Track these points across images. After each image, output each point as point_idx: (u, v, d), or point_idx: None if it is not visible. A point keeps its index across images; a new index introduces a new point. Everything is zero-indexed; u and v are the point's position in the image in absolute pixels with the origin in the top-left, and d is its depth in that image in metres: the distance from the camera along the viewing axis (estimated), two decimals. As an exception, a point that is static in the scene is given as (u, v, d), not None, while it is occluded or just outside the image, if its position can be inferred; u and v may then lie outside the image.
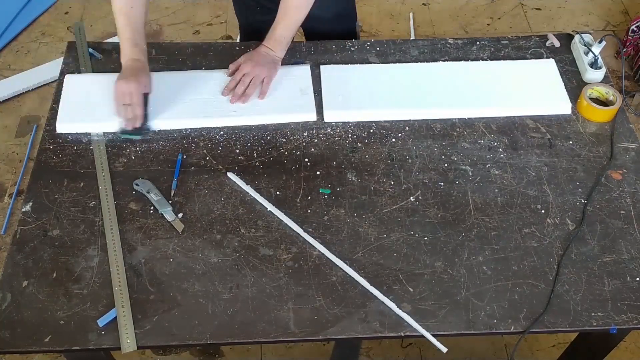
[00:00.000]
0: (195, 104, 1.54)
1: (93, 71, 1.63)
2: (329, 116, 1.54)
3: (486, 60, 1.68)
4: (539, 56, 1.70)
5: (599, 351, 1.58)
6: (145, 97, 1.47)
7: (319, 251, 1.32)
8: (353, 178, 1.44)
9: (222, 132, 1.51)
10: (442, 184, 1.43)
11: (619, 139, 1.52)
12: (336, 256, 1.31)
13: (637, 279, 1.29)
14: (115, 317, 1.21)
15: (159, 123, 1.51)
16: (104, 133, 1.50)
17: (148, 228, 1.34)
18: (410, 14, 3.01)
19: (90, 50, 1.68)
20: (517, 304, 1.25)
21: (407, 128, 1.53)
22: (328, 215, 1.37)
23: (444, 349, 1.23)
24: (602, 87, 1.59)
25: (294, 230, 1.35)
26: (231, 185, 1.42)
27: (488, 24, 3.00)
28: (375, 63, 1.67)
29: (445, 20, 3.01)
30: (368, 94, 1.58)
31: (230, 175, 1.43)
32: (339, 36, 1.75)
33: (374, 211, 1.38)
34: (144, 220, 1.36)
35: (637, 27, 2.68)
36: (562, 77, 1.63)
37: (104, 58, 1.67)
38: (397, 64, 1.66)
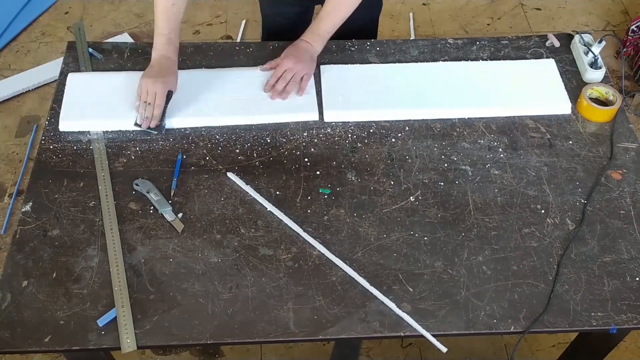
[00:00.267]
0: (203, 103, 1.54)
1: (93, 71, 1.63)
2: (329, 116, 1.54)
3: (486, 60, 1.68)
4: (539, 56, 1.70)
5: (599, 351, 1.58)
6: (168, 95, 1.48)
7: (319, 251, 1.32)
8: (353, 178, 1.44)
9: (221, 132, 1.51)
10: (442, 184, 1.43)
11: (619, 139, 1.52)
12: (336, 256, 1.31)
13: (637, 279, 1.29)
14: (115, 317, 1.21)
15: (171, 122, 1.51)
16: (104, 133, 1.50)
17: (148, 228, 1.34)
18: (410, 14, 3.01)
19: (90, 50, 1.68)
20: (517, 304, 1.25)
21: (407, 128, 1.53)
22: (328, 215, 1.37)
23: (444, 349, 1.23)
24: (602, 87, 1.59)
25: (293, 230, 1.35)
26: (231, 185, 1.42)
27: (488, 24, 3.00)
28: (375, 63, 1.67)
29: (445, 20, 3.00)
30: (368, 93, 1.58)
31: (230, 175, 1.43)
32: (360, 25, 1.73)
33: (374, 211, 1.38)
34: (144, 220, 1.36)
35: (637, 27, 2.68)
36: (562, 77, 1.63)
37: (104, 58, 1.67)
38: (397, 64, 1.66)
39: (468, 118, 1.55)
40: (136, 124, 1.49)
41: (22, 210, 1.37)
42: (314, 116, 1.54)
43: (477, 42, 1.73)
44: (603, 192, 1.42)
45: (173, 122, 1.51)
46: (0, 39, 2.83)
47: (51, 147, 1.48)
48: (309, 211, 1.38)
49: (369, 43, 1.72)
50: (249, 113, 1.53)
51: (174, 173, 1.43)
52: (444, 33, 2.93)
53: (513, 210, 1.39)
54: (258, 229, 1.35)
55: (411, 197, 1.41)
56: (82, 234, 1.33)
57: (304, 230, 1.34)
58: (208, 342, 1.20)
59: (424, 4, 3.09)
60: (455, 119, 1.55)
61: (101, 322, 1.20)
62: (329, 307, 1.24)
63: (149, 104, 1.45)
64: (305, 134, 1.51)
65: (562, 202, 1.40)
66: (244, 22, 2.97)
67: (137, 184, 1.40)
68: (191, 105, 1.54)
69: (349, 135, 1.51)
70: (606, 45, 1.66)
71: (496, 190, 1.42)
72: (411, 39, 2.06)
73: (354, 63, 1.66)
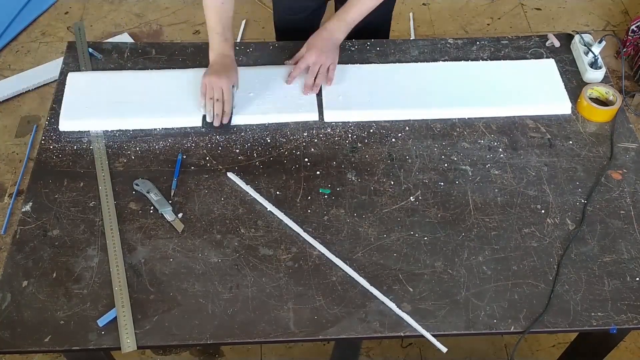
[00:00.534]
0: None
1: (94, 70, 1.63)
2: (329, 116, 1.54)
3: (486, 60, 1.68)
4: (539, 56, 1.70)
5: (599, 351, 1.58)
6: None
7: (319, 251, 1.32)
8: (353, 178, 1.44)
9: (221, 132, 1.51)
10: (442, 184, 1.43)
11: (619, 139, 1.52)
12: (336, 256, 1.31)
13: (637, 279, 1.29)
14: (115, 317, 1.21)
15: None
16: (104, 133, 1.50)
17: (148, 228, 1.34)
18: (410, 14, 3.01)
19: (90, 50, 1.68)
20: (517, 304, 1.25)
21: (407, 128, 1.53)
22: (328, 215, 1.37)
23: (444, 349, 1.23)
24: (602, 87, 1.59)
25: (294, 230, 1.35)
26: (231, 185, 1.42)
27: (488, 24, 3.00)
28: (375, 63, 1.67)
29: (445, 20, 3.00)
30: (368, 93, 1.58)
31: (230, 175, 1.43)
32: (372, 19, 1.72)
33: (374, 211, 1.38)
34: (144, 220, 1.36)
35: (637, 27, 2.68)
36: (562, 77, 1.63)
37: (104, 58, 1.67)
38: (397, 64, 1.66)
39: (468, 118, 1.55)
40: (205, 124, 1.49)
41: (22, 210, 1.37)
42: (313, 116, 1.54)
43: (477, 42, 1.73)
44: (603, 192, 1.42)
45: (163, 122, 1.52)
46: (0, 39, 2.83)
47: (51, 147, 1.48)
48: (309, 211, 1.38)
49: (369, 43, 1.72)
50: (249, 112, 1.53)
51: (174, 173, 1.43)
52: (444, 33, 2.93)
53: (513, 210, 1.39)
54: (258, 229, 1.35)
55: (411, 197, 1.41)
56: (82, 234, 1.33)
57: (304, 230, 1.34)
58: (208, 342, 1.20)
59: (424, 4, 3.09)
60: (455, 119, 1.55)
61: (101, 322, 1.20)
62: (329, 307, 1.24)
63: (217, 100, 1.46)
64: (305, 134, 1.51)
65: (562, 202, 1.40)
66: (244, 22, 2.96)
67: (137, 184, 1.40)
68: (185, 105, 1.54)
69: (349, 135, 1.51)
70: (606, 45, 1.66)
71: (496, 190, 1.42)
72: (411, 39, 2.06)
73: (354, 63, 1.66)
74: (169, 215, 1.36)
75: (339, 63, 1.64)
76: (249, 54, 1.69)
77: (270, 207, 1.38)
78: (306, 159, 1.47)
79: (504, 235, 1.35)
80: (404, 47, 1.72)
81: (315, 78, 1.56)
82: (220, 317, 1.23)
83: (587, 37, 1.69)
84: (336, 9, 1.86)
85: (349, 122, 1.54)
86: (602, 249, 1.33)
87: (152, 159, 1.46)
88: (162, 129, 1.51)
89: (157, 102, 1.54)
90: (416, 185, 1.43)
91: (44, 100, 2.61)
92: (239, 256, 1.31)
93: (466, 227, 1.36)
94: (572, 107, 1.57)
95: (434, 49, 1.71)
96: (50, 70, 2.68)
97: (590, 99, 1.56)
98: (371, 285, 1.27)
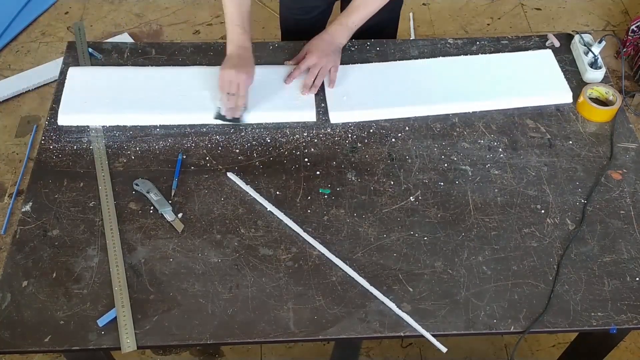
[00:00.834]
0: (199, 100, 1.54)
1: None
2: (335, 117, 1.53)
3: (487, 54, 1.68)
4: (538, 56, 1.70)
5: (599, 351, 1.58)
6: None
7: (319, 251, 1.32)
8: (353, 178, 1.44)
9: (221, 132, 1.51)
10: (442, 184, 1.43)
11: (619, 139, 1.52)
12: (336, 256, 1.31)
13: (637, 279, 1.29)
14: (115, 317, 1.21)
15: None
16: (104, 133, 1.50)
17: (148, 228, 1.34)
18: (410, 14, 3.01)
19: (90, 50, 1.68)
20: (517, 304, 1.25)
21: (407, 128, 1.53)
22: (328, 215, 1.37)
23: (444, 349, 1.23)
24: (602, 87, 1.59)
25: (293, 230, 1.35)
26: (231, 185, 1.42)
27: (488, 24, 3.00)
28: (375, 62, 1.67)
29: (445, 20, 3.00)
30: (370, 93, 1.58)
31: (230, 175, 1.43)
32: (379, 21, 1.71)
33: (374, 211, 1.38)
34: (144, 220, 1.36)
35: (637, 27, 2.68)
36: (562, 77, 1.64)
37: (104, 58, 1.67)
38: (396, 61, 1.66)
39: (472, 112, 1.55)
40: (218, 116, 1.50)
41: (22, 210, 1.37)
42: (311, 116, 1.54)
43: (477, 42, 1.73)
44: (603, 192, 1.42)
45: (168, 118, 1.52)
46: (0, 39, 2.83)
47: (51, 147, 1.48)
48: (309, 211, 1.38)
49: (369, 43, 1.72)
50: (247, 111, 1.53)
51: (174, 173, 1.43)
52: (444, 33, 2.93)
53: (513, 210, 1.39)
54: (258, 229, 1.35)
55: (411, 197, 1.41)
56: (82, 234, 1.33)
57: (304, 230, 1.34)
58: (208, 342, 1.20)
59: (424, 4, 3.09)
60: (455, 119, 1.55)
61: (101, 322, 1.20)
62: (329, 307, 1.24)
63: (233, 95, 1.45)
64: (305, 134, 1.51)
65: (562, 202, 1.40)
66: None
67: (137, 184, 1.40)
68: (185, 102, 1.54)
69: (349, 135, 1.51)
70: (606, 45, 1.66)
71: (496, 190, 1.42)
72: (411, 39, 2.06)
73: (354, 63, 1.66)
74: (169, 215, 1.36)
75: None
76: (249, 54, 1.69)
77: (270, 207, 1.38)
78: (306, 159, 1.47)
79: (504, 235, 1.35)
80: (404, 47, 1.72)
81: (315, 79, 1.55)
82: (220, 317, 1.23)
83: (587, 37, 1.69)
84: (342, 10, 1.86)
85: (349, 122, 1.54)
86: (602, 249, 1.33)
87: (152, 159, 1.46)
88: (161, 126, 1.51)
89: (158, 99, 1.54)
90: (416, 185, 1.43)
91: (44, 100, 2.61)
92: (239, 256, 1.31)
93: (466, 227, 1.36)
94: (572, 96, 1.57)
95: (434, 49, 1.71)
96: (50, 70, 2.68)
97: (590, 99, 1.56)
98: (371, 285, 1.27)
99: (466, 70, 1.64)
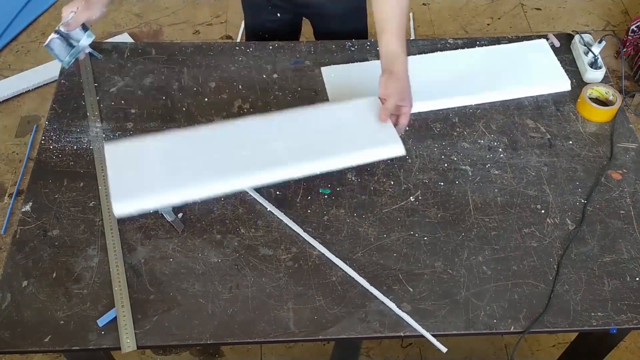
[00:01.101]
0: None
1: (93, 72, 1.63)
2: None
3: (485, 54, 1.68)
4: (539, 56, 1.70)
5: (599, 351, 1.58)
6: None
7: (319, 251, 1.32)
8: (353, 178, 1.44)
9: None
10: (442, 184, 1.43)
11: (619, 139, 1.52)
12: (336, 256, 1.31)
13: (637, 279, 1.29)
14: (115, 317, 1.21)
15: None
16: (104, 133, 1.50)
17: (148, 228, 1.35)
18: (410, 14, 3.01)
19: (90, 50, 1.68)
20: (517, 304, 1.25)
21: (406, 128, 1.53)
22: (328, 215, 1.37)
23: (444, 349, 1.23)
24: (602, 87, 1.59)
25: (293, 230, 1.35)
26: (231, 185, 1.42)
27: (488, 24, 3.00)
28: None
29: (445, 20, 3.01)
30: (373, 89, 1.57)
31: (230, 175, 1.43)
32: (348, 34, 1.71)
33: (374, 211, 1.38)
34: (144, 220, 1.36)
35: (637, 27, 2.69)
36: (562, 77, 1.64)
37: (104, 58, 1.67)
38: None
39: (471, 111, 1.55)
40: (56, 31, 1.48)
41: (22, 210, 1.37)
42: (400, 151, 1.34)
43: (477, 42, 1.73)
44: (603, 192, 1.42)
45: (222, 186, 1.30)
46: (0, 39, 2.83)
47: (51, 147, 1.48)
48: (309, 211, 1.38)
49: (368, 43, 1.72)
50: (324, 156, 1.34)
51: (174, 173, 1.43)
52: (444, 33, 2.93)
53: (513, 210, 1.39)
54: (258, 229, 1.35)
55: (411, 197, 1.41)
56: (82, 234, 1.33)
57: (304, 230, 1.34)
58: (208, 342, 1.20)
59: (424, 4, 3.09)
60: (455, 119, 1.55)
61: (101, 322, 1.20)
62: (329, 307, 1.24)
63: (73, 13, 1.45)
64: (305, 134, 1.51)
65: (562, 202, 1.40)
66: (243, 22, 2.96)
67: (137, 184, 1.40)
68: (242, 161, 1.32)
69: (349, 135, 1.51)
70: (606, 45, 1.66)
71: (496, 190, 1.42)
72: (411, 39, 2.06)
73: (353, 62, 1.66)
74: (169, 215, 1.36)
75: (338, 63, 1.65)
76: (249, 54, 1.69)
77: (270, 207, 1.38)
78: (306, 159, 1.47)
79: (504, 235, 1.35)
80: (404, 47, 1.72)
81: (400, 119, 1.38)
82: (220, 317, 1.23)
83: (587, 37, 1.69)
84: (313, 27, 1.85)
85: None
86: (602, 249, 1.33)
87: (152, 159, 1.46)
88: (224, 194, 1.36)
89: (210, 164, 1.30)
90: (416, 185, 1.43)
91: (44, 100, 2.61)
92: (238, 256, 1.31)
93: (466, 227, 1.36)
94: (571, 84, 1.59)
95: (433, 49, 1.71)
96: (50, 70, 2.69)
97: (590, 99, 1.56)
98: (371, 285, 1.27)
99: (461, 64, 1.64)
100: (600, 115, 1.54)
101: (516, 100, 1.59)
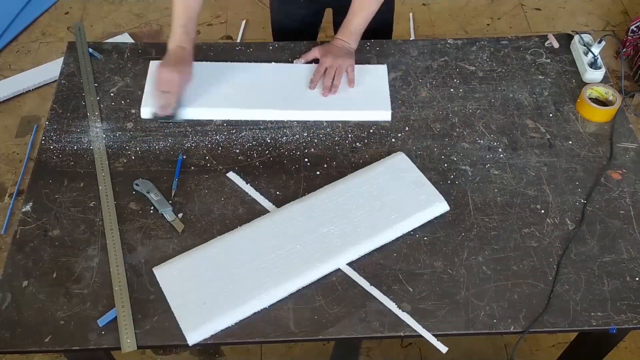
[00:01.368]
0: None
1: (93, 72, 1.63)
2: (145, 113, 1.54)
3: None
4: (538, 56, 1.70)
5: (599, 351, 1.58)
6: (183, 85, 1.49)
7: (319, 251, 1.32)
8: (353, 178, 1.44)
9: (222, 132, 1.51)
10: (442, 184, 1.43)
11: (619, 139, 1.52)
12: (336, 256, 1.31)
13: (637, 279, 1.29)
14: (115, 317, 1.21)
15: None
16: (104, 133, 1.50)
17: (148, 228, 1.35)
18: (410, 14, 3.02)
19: (90, 50, 1.68)
20: (517, 304, 1.25)
21: (407, 128, 1.53)
22: (328, 215, 1.37)
23: (444, 349, 1.23)
24: (602, 87, 1.59)
25: (293, 230, 1.35)
26: (231, 185, 1.42)
27: (488, 24, 3.00)
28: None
29: (445, 20, 3.01)
30: (214, 91, 1.58)
31: (230, 175, 1.43)
32: (372, 27, 1.72)
33: (374, 211, 1.38)
34: (144, 220, 1.36)
35: (636, 27, 2.69)
36: (562, 77, 1.64)
37: (104, 58, 1.67)
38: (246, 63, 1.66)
39: (389, 118, 1.55)
40: (154, 115, 1.51)
41: (23, 210, 1.37)
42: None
43: (477, 42, 1.73)
44: (603, 192, 1.42)
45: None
46: (0, 39, 2.83)
47: (51, 147, 1.48)
48: (309, 211, 1.38)
49: (368, 43, 1.72)
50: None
51: (175, 173, 1.43)
52: (444, 33, 2.93)
53: (513, 210, 1.39)
54: (258, 229, 1.35)
55: (411, 197, 1.41)
56: (82, 234, 1.33)
57: (304, 230, 1.34)
58: (208, 342, 1.20)
59: (424, 4, 3.10)
60: (455, 119, 1.55)
61: (101, 322, 1.20)
62: (329, 307, 1.24)
63: (165, 93, 1.47)
64: (305, 134, 1.51)
65: (562, 202, 1.40)
66: (243, 22, 2.97)
67: (137, 184, 1.40)
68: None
69: (349, 135, 1.52)
70: (606, 45, 1.66)
71: (496, 190, 1.42)
72: (411, 39, 2.06)
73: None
74: (169, 216, 1.36)
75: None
76: (249, 54, 1.69)
77: (270, 207, 1.38)
78: (306, 159, 1.47)
79: (504, 235, 1.35)
80: (403, 47, 1.72)
81: (334, 79, 1.57)
82: (220, 317, 1.23)
83: (587, 37, 1.69)
84: (334, 16, 1.86)
85: (348, 122, 1.54)
86: (602, 249, 1.33)
87: (152, 159, 1.46)
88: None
89: (266, 269, 1.27)
90: (416, 185, 1.43)
91: (44, 100, 2.61)
92: (239, 256, 1.31)
93: (466, 227, 1.36)
94: (391, 114, 1.54)
95: (433, 49, 1.71)
96: (50, 70, 2.69)
97: (590, 99, 1.56)
98: (371, 285, 1.27)
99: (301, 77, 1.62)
100: (600, 115, 1.55)
101: (516, 100, 1.59)
